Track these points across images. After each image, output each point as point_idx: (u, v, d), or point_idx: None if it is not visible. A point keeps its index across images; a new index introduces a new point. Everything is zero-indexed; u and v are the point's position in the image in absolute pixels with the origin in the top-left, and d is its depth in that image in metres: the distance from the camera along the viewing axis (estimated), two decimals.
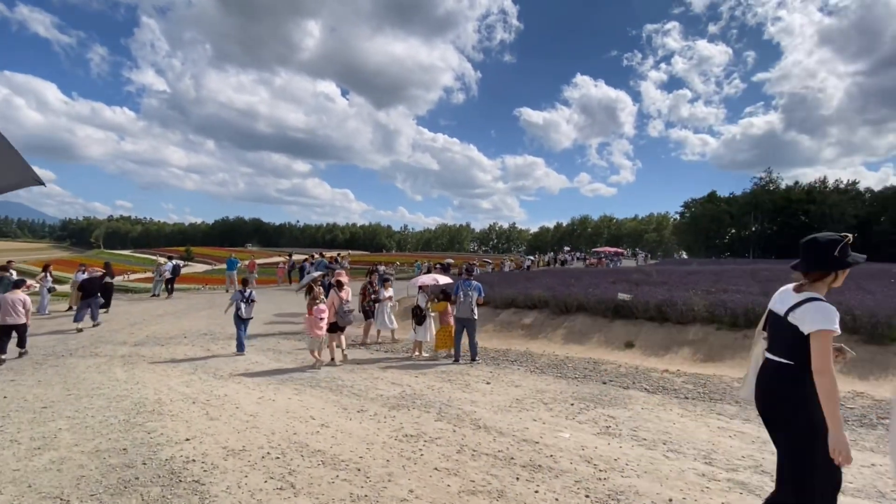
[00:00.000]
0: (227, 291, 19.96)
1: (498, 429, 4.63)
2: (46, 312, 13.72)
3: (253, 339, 10.22)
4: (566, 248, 66.66)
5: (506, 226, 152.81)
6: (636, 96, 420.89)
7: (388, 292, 10.28)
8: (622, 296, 10.54)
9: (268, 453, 3.87)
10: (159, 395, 5.70)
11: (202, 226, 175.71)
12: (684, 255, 74.81)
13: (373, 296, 10.23)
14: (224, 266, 25.32)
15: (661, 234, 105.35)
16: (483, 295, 8.63)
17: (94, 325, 11.88)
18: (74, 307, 14.62)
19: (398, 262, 20.41)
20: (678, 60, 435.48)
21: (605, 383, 6.79)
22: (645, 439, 4.48)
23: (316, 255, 24.73)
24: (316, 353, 7.66)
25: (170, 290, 18.47)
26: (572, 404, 5.60)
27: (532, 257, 40.93)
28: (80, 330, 11.19)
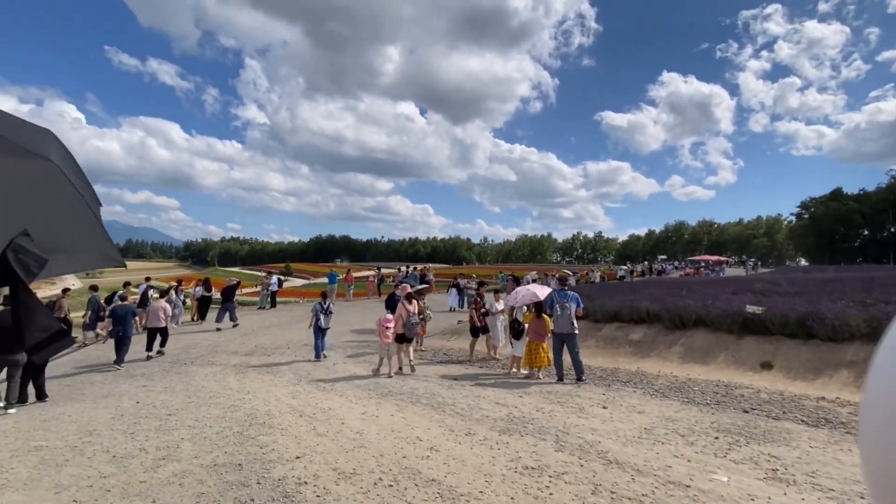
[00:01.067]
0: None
1: (633, 465, 3.93)
2: (178, 324, 15.23)
3: (347, 349, 10.38)
4: (661, 257, 61.74)
5: (591, 235, 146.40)
6: (733, 89, 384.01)
7: (500, 305, 9.59)
8: (752, 308, 9.08)
9: (380, 479, 3.57)
10: (269, 407, 5.76)
11: (299, 244, 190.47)
12: (802, 262, 65.68)
13: (483, 309, 9.54)
14: (322, 280, 26.72)
15: (773, 239, 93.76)
16: (582, 306, 7.87)
17: (234, 326, 14.12)
18: (196, 318, 16.24)
19: (474, 275, 20.12)
20: (782, 46, 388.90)
21: (746, 412, 5.72)
22: (832, 490, 3.52)
23: (402, 268, 25.22)
24: (385, 360, 7.92)
25: (273, 303, 19.77)
26: (716, 437, 4.69)
27: (625, 266, 38.20)
28: (219, 329, 13.57)
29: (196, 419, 5.20)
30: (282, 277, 24.83)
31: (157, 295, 13.04)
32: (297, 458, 3.96)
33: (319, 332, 9.43)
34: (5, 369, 6.46)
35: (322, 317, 9.40)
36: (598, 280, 27.80)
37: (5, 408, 6.31)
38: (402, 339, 8.09)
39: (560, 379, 7.49)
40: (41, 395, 7.00)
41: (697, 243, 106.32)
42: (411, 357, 8.35)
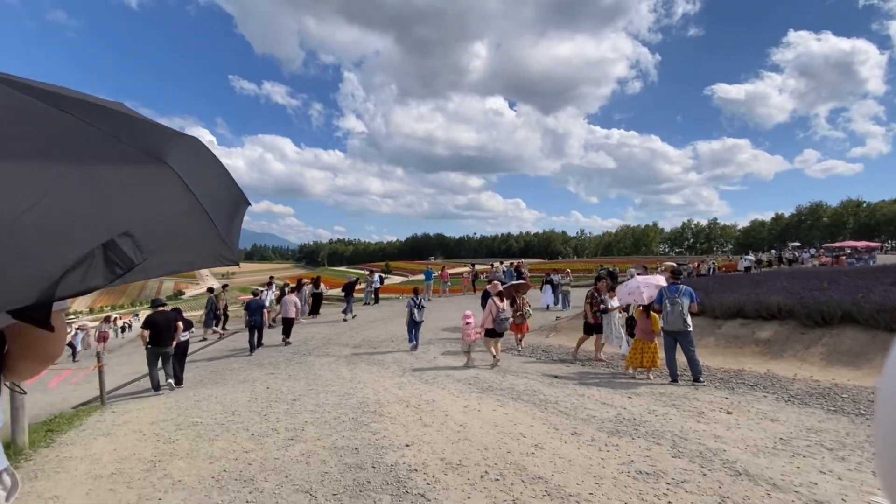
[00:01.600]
0: (427, 300, 21.83)
1: (768, 479, 3.49)
2: (304, 317, 16.85)
3: (446, 345, 10.65)
4: (793, 244, 53.81)
5: (703, 222, 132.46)
6: (883, 42, 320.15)
7: (615, 302, 8.87)
8: None
9: (486, 472, 3.62)
10: (378, 396, 6.14)
11: (396, 243, 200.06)
12: None
13: (601, 305, 8.83)
14: (419, 277, 27.75)
15: None
16: (697, 301, 7.16)
17: (352, 317, 16.10)
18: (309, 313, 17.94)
19: (569, 269, 19.30)
20: None
21: None
22: None
23: (496, 264, 25.20)
24: (469, 354, 8.39)
25: (377, 299, 21.03)
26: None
27: (750, 256, 33.78)
28: (345, 320, 15.58)
29: (316, 405, 5.73)
30: (383, 275, 26.28)
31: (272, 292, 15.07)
32: (407, 445, 4.17)
33: (414, 325, 10.12)
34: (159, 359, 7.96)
35: (415, 311, 10.05)
36: (708, 272, 25.14)
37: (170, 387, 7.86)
38: (492, 333, 8.28)
39: (674, 380, 6.93)
40: (178, 381, 8.28)
41: (840, 227, 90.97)
42: (497, 352, 8.43)
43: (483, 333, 8.34)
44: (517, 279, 15.54)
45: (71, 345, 17.01)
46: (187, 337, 8.77)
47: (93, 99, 1.10)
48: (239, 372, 8.94)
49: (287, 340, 12.02)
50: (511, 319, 9.12)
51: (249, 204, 1.26)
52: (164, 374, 7.98)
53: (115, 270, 0.78)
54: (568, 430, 4.68)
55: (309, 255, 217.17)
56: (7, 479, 1.07)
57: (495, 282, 11.94)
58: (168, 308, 8.70)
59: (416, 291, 11.07)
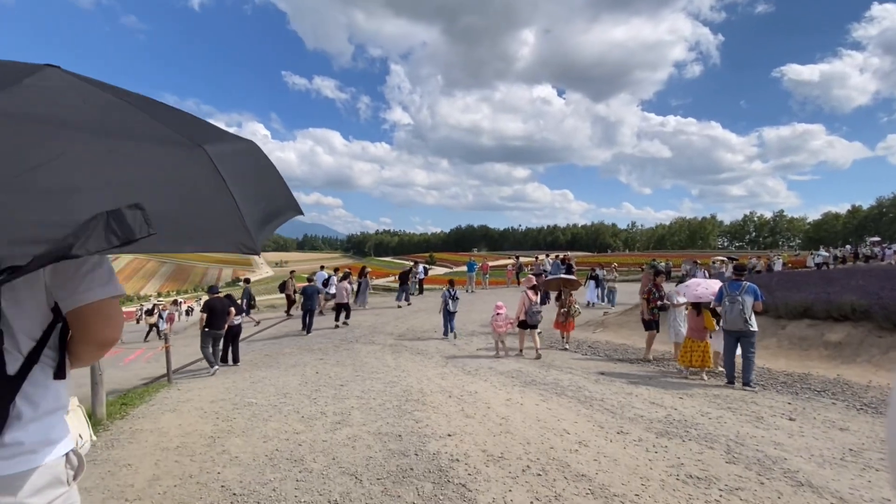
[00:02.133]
0: (466, 292, 21.89)
1: (834, 491, 3.25)
2: (366, 304, 17.54)
3: (489, 337, 10.63)
4: (872, 239, 49.15)
5: (768, 214, 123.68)
6: None
7: (681, 298, 8.20)
8: None
9: (528, 467, 3.60)
10: (421, 385, 6.25)
11: (441, 234, 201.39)
12: None
13: (659, 301, 8.41)
14: (462, 269, 27.81)
15: None
16: (762, 299, 6.71)
17: (407, 304, 16.98)
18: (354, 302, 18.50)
19: (615, 263, 18.63)
20: None
21: None
22: None
23: (541, 256, 24.78)
24: (498, 344, 8.59)
25: (421, 290, 21.31)
26: None
27: (824, 252, 31.10)
28: (399, 307, 16.51)
29: (362, 391, 5.92)
30: (427, 266, 26.58)
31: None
32: (449, 435, 4.23)
33: (448, 315, 10.53)
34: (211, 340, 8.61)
35: (450, 301, 10.41)
36: (764, 268, 23.34)
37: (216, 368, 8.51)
38: (524, 325, 8.50)
39: (730, 381, 6.57)
40: (236, 360, 9.02)
41: None
42: (537, 343, 8.51)
43: (515, 324, 8.58)
44: (565, 273, 15.15)
45: (156, 325, 18.21)
46: (239, 321, 9.36)
47: (163, 104, 1.15)
48: (291, 356, 9.36)
49: (345, 322, 13.31)
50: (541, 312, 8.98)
51: (300, 213, 1.29)
52: (216, 355, 8.63)
53: (111, 240, 0.78)
54: (614, 428, 4.56)
55: (356, 246, 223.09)
56: (74, 460, 1.11)
57: (530, 276, 11.87)
58: (222, 295, 9.30)
59: (451, 283, 11.30)
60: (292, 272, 17.71)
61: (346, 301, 13.49)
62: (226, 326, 8.69)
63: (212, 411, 5.03)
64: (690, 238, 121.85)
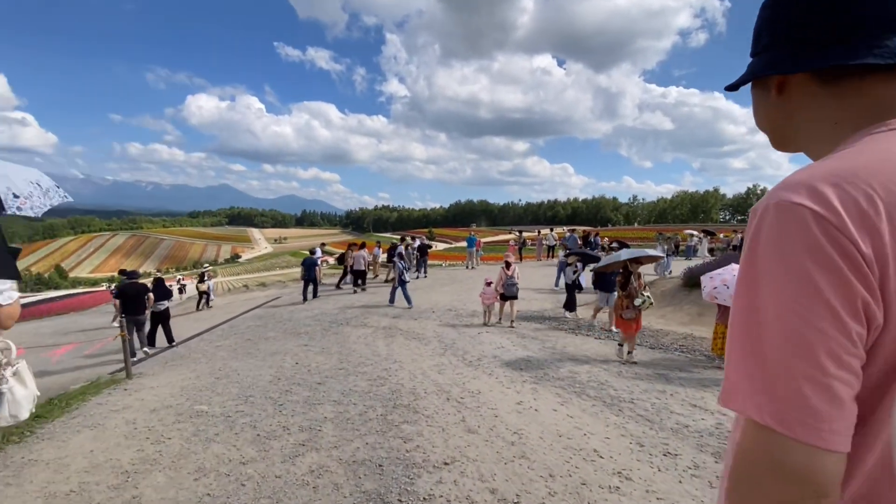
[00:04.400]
0: (466, 268, 20.87)
1: None
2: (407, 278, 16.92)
3: (494, 317, 9.67)
4: None
5: (771, 187, 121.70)
6: None
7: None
8: None
9: None
10: (414, 383, 5.25)
11: (440, 210, 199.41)
12: None
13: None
14: (462, 244, 26.73)
15: None
16: None
17: (424, 277, 17.00)
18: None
19: (605, 237, 17.68)
20: None
21: None
22: None
23: (543, 231, 23.63)
24: (484, 314, 9.39)
25: (418, 267, 20.25)
26: None
27: None
28: (416, 277, 16.29)
29: (342, 392, 4.91)
30: (426, 242, 25.46)
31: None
32: (446, 464, 3.22)
33: (402, 284, 11.43)
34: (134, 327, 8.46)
35: (404, 272, 11.46)
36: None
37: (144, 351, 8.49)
38: (504, 297, 9.12)
39: None
40: (170, 341, 9.20)
41: None
42: (513, 314, 9.15)
43: (498, 297, 9.14)
44: (586, 248, 13.77)
45: (206, 293, 17.18)
46: (166, 305, 9.60)
47: None
48: (273, 342, 8.38)
49: (356, 290, 14.39)
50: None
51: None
52: (140, 342, 8.63)
53: None
54: (657, 447, 3.56)
55: (355, 222, 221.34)
56: None
57: (508, 253, 12.17)
58: (138, 280, 9.22)
59: (399, 255, 12.14)
60: (351, 245, 17.43)
61: (362, 268, 14.69)
62: (146, 312, 8.76)
63: (145, 426, 3.98)
64: (692, 212, 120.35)
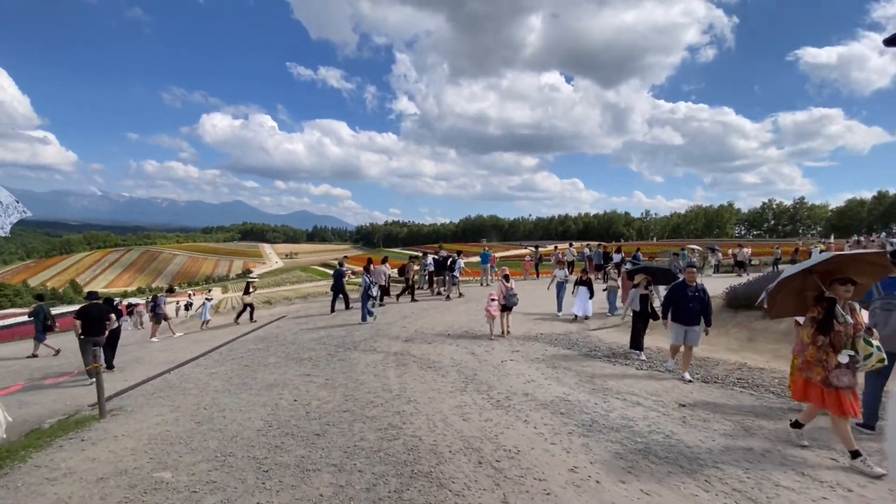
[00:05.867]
0: (481, 284, 19.90)
1: None
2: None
3: (515, 343, 8.61)
4: None
5: (787, 202, 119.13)
6: None
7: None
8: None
9: None
10: (434, 437, 4.23)
11: (450, 225, 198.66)
12: None
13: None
14: (474, 259, 25.73)
15: None
16: None
17: (458, 296, 16.11)
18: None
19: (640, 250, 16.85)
20: None
21: None
22: None
23: (561, 246, 22.56)
24: (490, 328, 9.70)
25: (430, 283, 19.25)
26: None
27: None
28: (449, 298, 15.72)
29: (345, 451, 3.90)
30: (436, 257, 24.50)
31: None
32: None
33: (368, 298, 12.01)
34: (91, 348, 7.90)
35: (371, 288, 12.13)
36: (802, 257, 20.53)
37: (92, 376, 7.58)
38: (504, 308, 9.64)
39: (867, 425, 4.39)
40: (110, 366, 9.08)
41: None
42: (508, 324, 9.73)
43: (499, 309, 9.57)
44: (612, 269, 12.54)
45: (250, 305, 16.10)
46: (117, 325, 9.58)
47: None
48: (272, 370, 7.44)
49: (381, 303, 14.36)
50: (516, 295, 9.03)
51: None
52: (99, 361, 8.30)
53: None
54: None
55: (365, 237, 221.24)
56: None
57: (504, 268, 12.50)
58: (101, 301, 9.16)
59: (366, 269, 13.04)
60: (412, 258, 18.10)
61: (383, 283, 14.87)
62: (105, 333, 8.64)
63: None
64: (707, 226, 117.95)
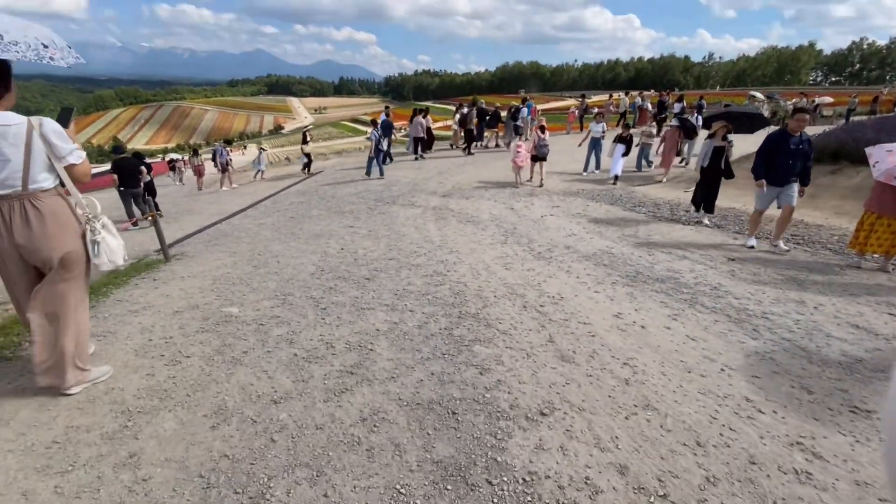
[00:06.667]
0: (526, 138, 18.97)
1: None
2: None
3: (553, 198, 8.42)
4: None
5: (882, 42, 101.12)
6: None
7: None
8: None
9: None
10: (479, 282, 4.35)
11: (486, 74, 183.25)
12: None
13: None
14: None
15: None
16: None
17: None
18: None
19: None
20: None
21: None
22: None
23: (616, 95, 20.54)
24: (516, 178, 9.94)
25: (478, 137, 18.48)
26: None
27: None
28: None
29: (395, 293, 4.09)
30: (486, 107, 23.06)
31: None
32: (543, 414, 2.36)
33: (379, 153, 11.95)
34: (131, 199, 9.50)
35: (382, 141, 12.10)
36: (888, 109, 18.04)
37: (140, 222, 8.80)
38: (535, 158, 9.74)
39: None
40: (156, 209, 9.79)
41: None
42: (542, 174, 9.83)
43: (529, 159, 9.74)
44: (682, 130, 10.60)
45: (308, 155, 16.61)
46: (149, 178, 10.18)
47: None
48: (317, 221, 7.67)
49: (416, 157, 14.98)
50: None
51: None
52: (139, 212, 9.37)
53: None
54: (833, 394, 2.54)
55: (395, 89, 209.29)
56: None
57: (542, 118, 11.53)
58: (129, 155, 10.01)
59: (373, 123, 12.72)
60: (472, 104, 17.81)
61: (421, 135, 15.04)
62: (141, 184, 9.37)
63: (162, 338, 3.20)
64: (778, 72, 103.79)
